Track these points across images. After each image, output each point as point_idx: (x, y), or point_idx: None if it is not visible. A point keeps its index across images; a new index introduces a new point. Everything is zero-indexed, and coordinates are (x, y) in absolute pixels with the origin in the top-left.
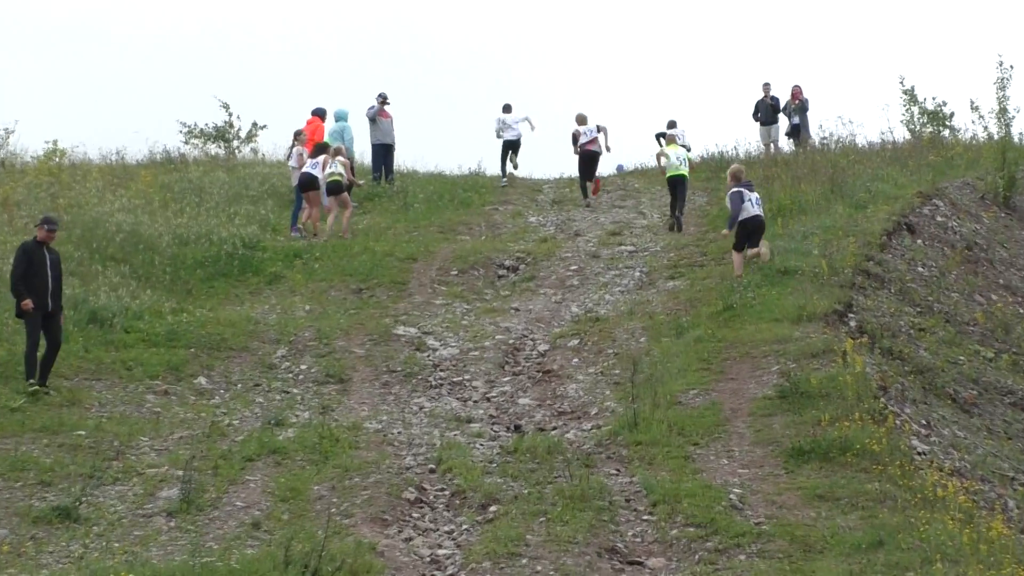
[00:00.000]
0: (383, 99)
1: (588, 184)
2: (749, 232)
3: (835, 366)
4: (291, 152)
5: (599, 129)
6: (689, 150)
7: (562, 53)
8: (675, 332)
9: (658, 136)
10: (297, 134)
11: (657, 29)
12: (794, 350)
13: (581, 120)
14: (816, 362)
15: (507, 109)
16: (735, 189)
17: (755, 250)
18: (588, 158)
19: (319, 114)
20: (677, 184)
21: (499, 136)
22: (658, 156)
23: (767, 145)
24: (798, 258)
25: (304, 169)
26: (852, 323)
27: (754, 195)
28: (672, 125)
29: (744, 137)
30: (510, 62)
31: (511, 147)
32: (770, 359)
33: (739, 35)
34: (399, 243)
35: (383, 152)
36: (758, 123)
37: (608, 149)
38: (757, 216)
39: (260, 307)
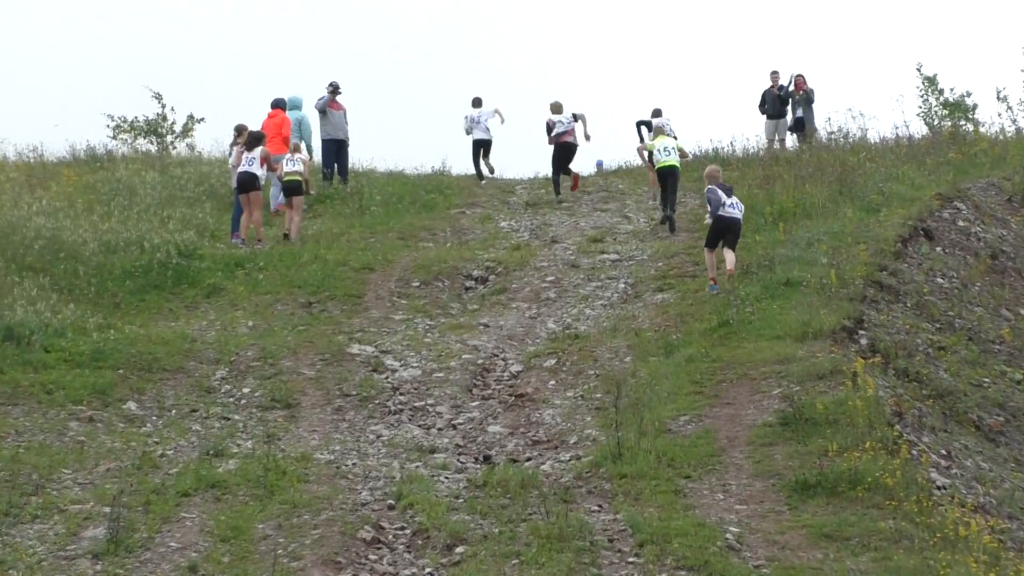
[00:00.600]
0: (334, 89)
1: (561, 178)
2: (722, 229)
3: (844, 389)
4: (231, 150)
5: (576, 118)
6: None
7: (538, 32)
8: (664, 351)
9: (639, 124)
10: (240, 129)
11: (648, 9)
12: (798, 371)
13: (556, 108)
14: (823, 385)
15: (477, 103)
16: (711, 187)
17: (724, 257)
18: (564, 150)
19: (280, 106)
20: (667, 176)
21: (468, 134)
22: (639, 151)
23: (771, 141)
24: (802, 268)
25: (241, 168)
26: (863, 341)
27: (733, 198)
28: (657, 114)
29: (743, 131)
30: (480, 42)
31: (482, 147)
32: (771, 381)
33: (741, 19)
34: (354, 251)
35: (335, 148)
36: (764, 116)
37: (588, 138)
38: (733, 218)
39: (197, 323)
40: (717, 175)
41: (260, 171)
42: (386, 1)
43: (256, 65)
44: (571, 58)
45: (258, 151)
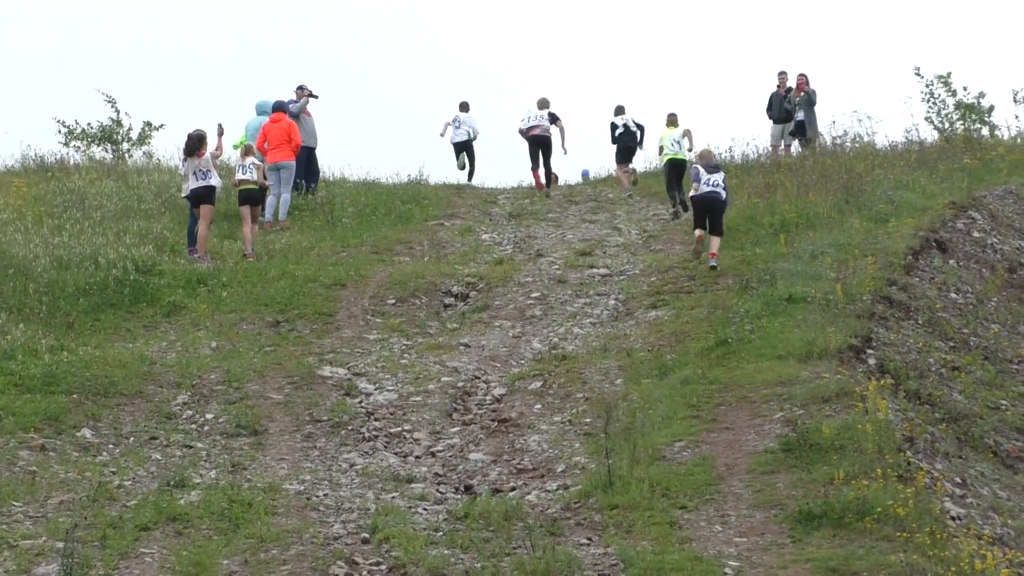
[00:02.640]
0: (310, 93)
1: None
2: (701, 210)
3: (852, 413)
4: (185, 159)
5: (553, 119)
6: (643, 133)
7: (526, 32)
8: (658, 372)
9: (613, 129)
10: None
11: (645, 8)
12: (802, 394)
13: (542, 104)
14: (828, 408)
15: (464, 107)
16: (695, 165)
17: (710, 239)
18: (535, 143)
19: (282, 108)
20: (675, 168)
21: (441, 135)
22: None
23: (775, 147)
24: (806, 283)
25: (192, 184)
26: (871, 361)
27: (714, 176)
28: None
29: (744, 135)
30: (463, 42)
31: (464, 147)
32: (772, 404)
33: (743, 19)
34: (324, 266)
35: (305, 156)
36: (771, 120)
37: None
38: (707, 194)
39: (156, 344)
40: (708, 156)
41: (216, 180)
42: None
43: (218, 68)
44: (562, 59)
45: (205, 159)
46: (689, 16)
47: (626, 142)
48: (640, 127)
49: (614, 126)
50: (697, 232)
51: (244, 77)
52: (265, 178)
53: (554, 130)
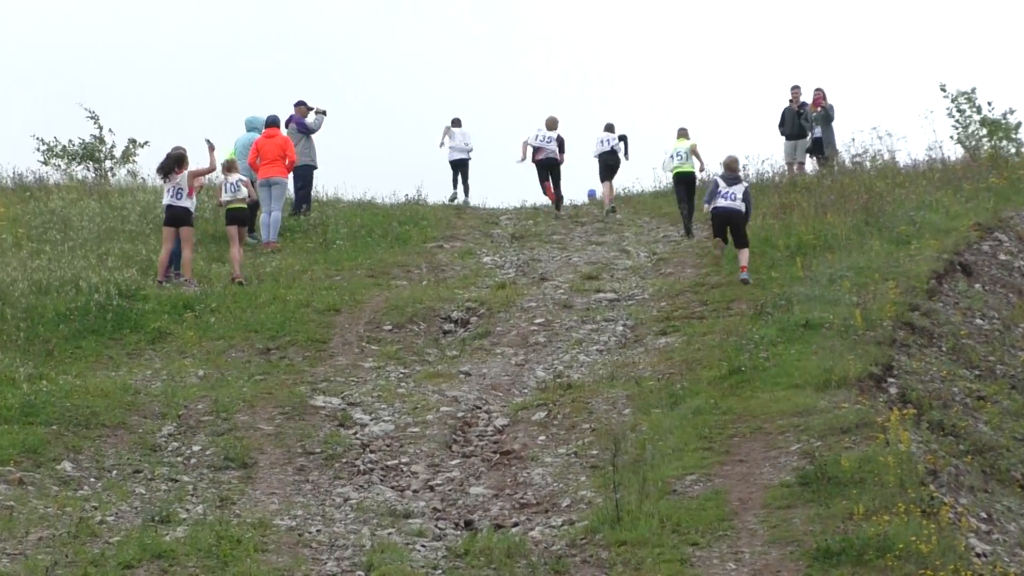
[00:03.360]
0: (321, 109)
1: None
2: (719, 225)
3: (872, 444)
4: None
5: (560, 144)
6: (627, 157)
7: (525, 47)
8: (668, 402)
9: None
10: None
11: (652, 19)
12: (819, 424)
13: (551, 125)
14: (848, 439)
15: (456, 123)
16: (715, 176)
17: (738, 256)
18: (543, 166)
19: (275, 123)
20: (680, 183)
21: (441, 145)
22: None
23: (790, 164)
24: (824, 308)
25: (166, 200)
26: (893, 390)
27: (733, 189)
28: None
29: (758, 152)
30: (466, 58)
31: (460, 168)
32: (789, 436)
33: (756, 32)
34: (317, 290)
35: (309, 176)
36: (784, 137)
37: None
38: (724, 209)
39: (140, 373)
40: (732, 164)
41: (191, 201)
42: (352, 11)
43: (205, 82)
44: (564, 74)
45: (183, 178)
46: (700, 29)
47: (606, 160)
48: (623, 137)
49: (600, 142)
50: (717, 239)
51: (232, 92)
52: (251, 194)
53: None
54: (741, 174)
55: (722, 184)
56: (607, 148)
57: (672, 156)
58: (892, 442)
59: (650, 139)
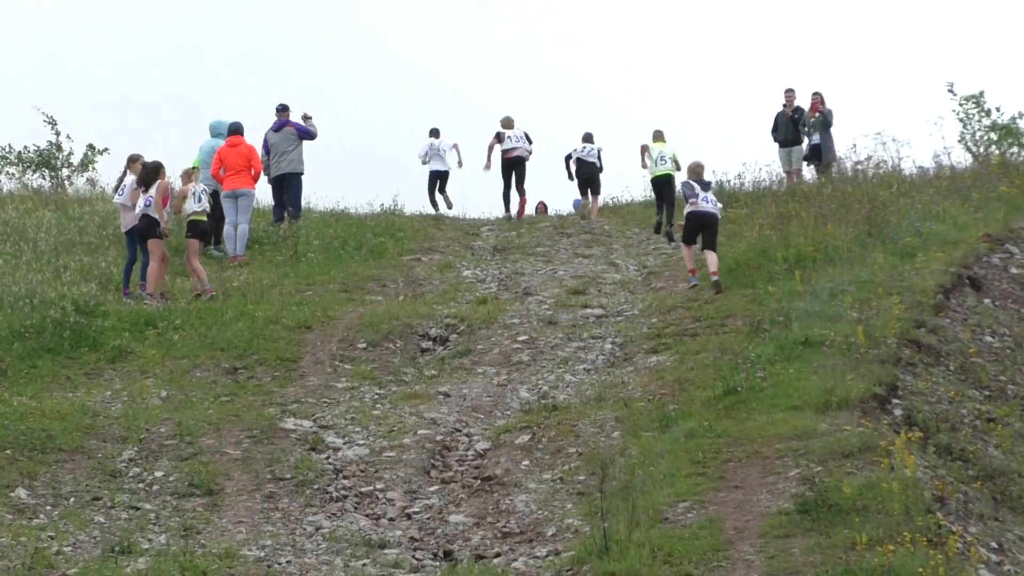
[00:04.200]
0: (304, 116)
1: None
2: (694, 227)
3: (876, 470)
4: (122, 184)
5: (529, 140)
6: (601, 170)
7: (508, 48)
8: (659, 424)
9: (567, 159)
10: (133, 159)
11: (637, 15)
12: (819, 448)
13: (507, 124)
14: (850, 464)
15: (434, 133)
16: (687, 180)
17: (707, 260)
18: (512, 165)
19: (238, 131)
20: (663, 186)
21: (424, 163)
22: (642, 149)
23: (788, 173)
24: (824, 324)
25: (138, 210)
26: (897, 412)
27: (708, 193)
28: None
29: (755, 160)
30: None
31: (439, 178)
32: (787, 460)
33: (750, 31)
34: (287, 306)
35: (299, 183)
36: (777, 144)
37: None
38: (703, 212)
39: (100, 394)
40: (698, 169)
41: (163, 213)
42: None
43: (169, 85)
44: (550, 78)
45: (155, 188)
46: (687, 26)
47: (581, 174)
48: (597, 151)
49: (569, 155)
50: (686, 250)
51: (196, 96)
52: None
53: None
54: (707, 179)
55: (698, 187)
56: (589, 159)
57: (656, 160)
58: (897, 467)
59: (634, 145)
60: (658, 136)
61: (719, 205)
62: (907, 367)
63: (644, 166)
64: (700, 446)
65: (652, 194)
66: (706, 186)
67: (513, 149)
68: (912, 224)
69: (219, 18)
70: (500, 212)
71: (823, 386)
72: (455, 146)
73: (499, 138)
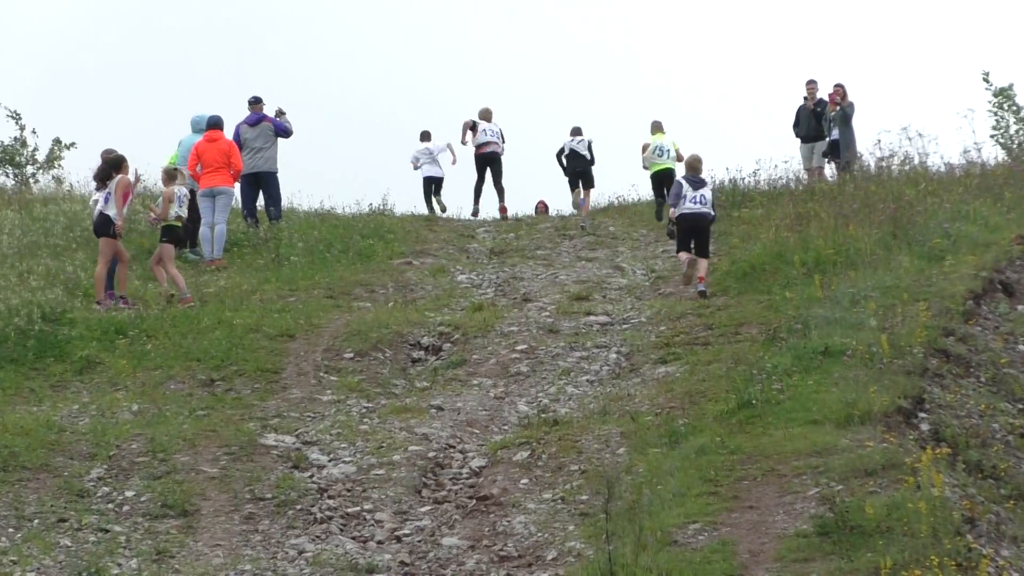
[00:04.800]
0: (278, 112)
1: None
2: (687, 230)
3: (901, 489)
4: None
5: (502, 137)
6: (593, 163)
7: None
8: (668, 440)
9: (558, 155)
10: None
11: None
12: (840, 466)
13: (485, 115)
14: (873, 483)
15: (425, 137)
16: (678, 178)
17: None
18: (487, 161)
19: (217, 125)
20: (664, 180)
21: (416, 168)
22: (643, 149)
23: (809, 171)
24: (845, 332)
25: (96, 207)
26: (924, 426)
27: (701, 192)
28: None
29: (771, 156)
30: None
31: (434, 183)
32: (806, 479)
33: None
34: (268, 313)
35: (276, 181)
36: (799, 139)
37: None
38: (694, 214)
39: (66, 407)
40: (696, 164)
41: (115, 211)
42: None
43: (143, 79)
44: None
45: (116, 183)
46: (707, 15)
47: (574, 167)
48: (588, 142)
49: (561, 150)
50: (683, 256)
51: (173, 89)
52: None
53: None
54: (706, 176)
55: (687, 186)
56: (582, 152)
57: (655, 152)
58: (924, 486)
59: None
60: (656, 128)
61: (708, 202)
62: (934, 378)
63: (646, 168)
64: (712, 463)
65: (652, 192)
66: (699, 184)
67: (487, 144)
68: (940, 225)
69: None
70: (496, 214)
71: (844, 399)
72: (448, 146)
73: (474, 127)
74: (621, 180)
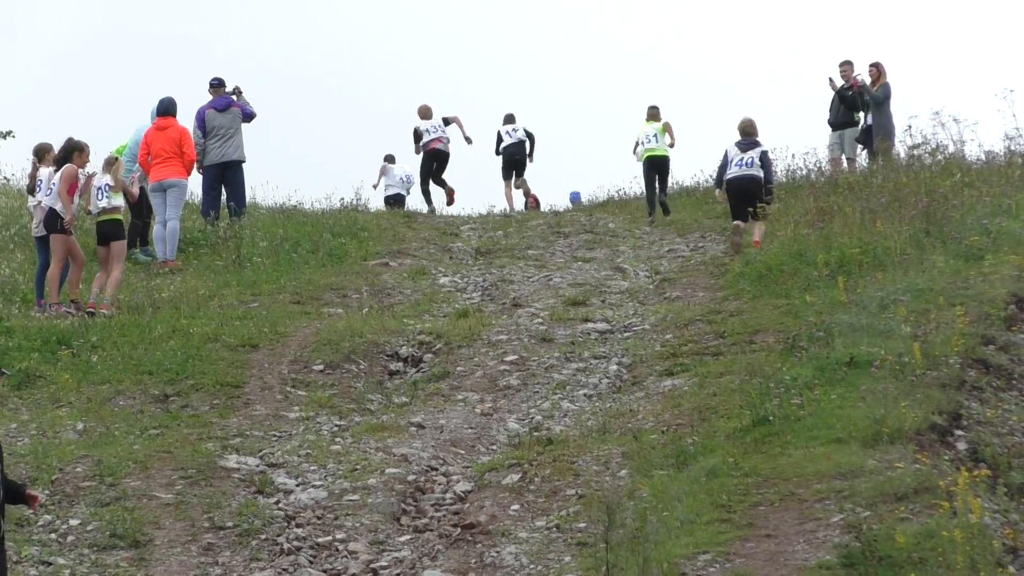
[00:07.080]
0: (236, 90)
1: (431, 189)
2: (734, 196)
3: (935, 515)
4: (36, 180)
5: (447, 122)
6: (530, 155)
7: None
8: (675, 461)
9: (498, 141)
10: (41, 152)
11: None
12: (867, 489)
13: (424, 113)
14: (904, 508)
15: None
16: (726, 148)
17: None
18: (434, 157)
19: (170, 111)
20: (653, 167)
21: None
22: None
23: (836, 160)
24: (873, 341)
25: (44, 200)
26: (961, 445)
27: (750, 154)
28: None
29: (797, 147)
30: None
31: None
32: (829, 504)
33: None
34: (229, 321)
35: (241, 172)
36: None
37: (468, 140)
38: (739, 177)
39: (4, 426)
40: (747, 127)
41: (70, 204)
42: None
43: (89, 62)
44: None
45: (56, 177)
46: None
47: (512, 154)
48: (530, 136)
49: (500, 137)
50: (736, 223)
51: (128, 74)
52: (132, 194)
53: (452, 131)
54: (759, 137)
55: (734, 151)
56: (513, 140)
57: (641, 141)
58: (960, 512)
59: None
60: (652, 115)
61: (758, 164)
62: (972, 392)
63: (638, 159)
64: (724, 487)
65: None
66: (748, 146)
67: (433, 140)
68: (979, 221)
69: None
70: (485, 208)
71: (871, 415)
72: (456, 119)
73: (417, 135)
74: (625, 175)
